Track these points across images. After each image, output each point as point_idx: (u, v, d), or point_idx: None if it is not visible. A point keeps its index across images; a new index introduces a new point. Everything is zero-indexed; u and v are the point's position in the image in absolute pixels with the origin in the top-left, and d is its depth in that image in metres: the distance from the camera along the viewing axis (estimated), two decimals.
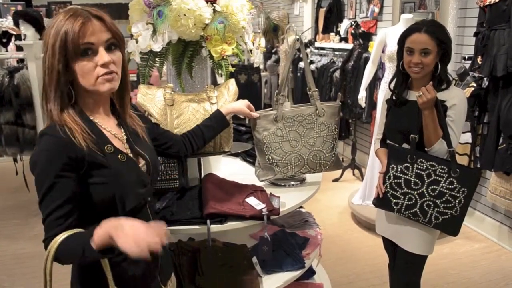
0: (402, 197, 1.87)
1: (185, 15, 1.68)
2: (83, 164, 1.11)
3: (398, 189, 1.88)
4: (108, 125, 1.24)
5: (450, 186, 1.81)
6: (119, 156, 1.19)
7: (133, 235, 0.97)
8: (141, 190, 1.24)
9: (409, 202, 1.86)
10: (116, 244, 0.98)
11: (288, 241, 2.10)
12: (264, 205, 1.68)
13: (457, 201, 1.81)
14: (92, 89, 1.15)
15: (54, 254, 1.07)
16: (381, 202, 1.94)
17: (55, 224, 1.10)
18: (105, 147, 1.17)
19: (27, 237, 3.64)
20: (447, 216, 1.82)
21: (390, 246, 2.13)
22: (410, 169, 1.85)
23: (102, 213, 1.14)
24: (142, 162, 1.29)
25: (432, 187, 1.83)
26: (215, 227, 1.62)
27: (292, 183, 2.02)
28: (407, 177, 1.86)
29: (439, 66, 1.83)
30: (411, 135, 1.84)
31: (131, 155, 1.25)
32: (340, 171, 4.84)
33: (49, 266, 1.10)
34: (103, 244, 1.02)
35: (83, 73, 1.14)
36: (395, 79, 1.98)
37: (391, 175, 1.90)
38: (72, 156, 1.09)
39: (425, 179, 1.83)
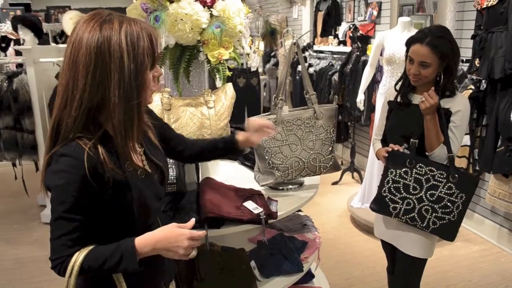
0: (401, 201, 1.87)
1: (182, 19, 1.69)
2: (107, 183, 1.07)
3: (396, 193, 1.88)
4: None
5: (448, 191, 1.81)
6: (138, 173, 1.17)
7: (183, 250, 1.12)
8: (157, 204, 1.24)
9: (408, 207, 1.86)
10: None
11: (286, 245, 2.10)
12: (261, 209, 1.68)
13: (455, 206, 1.81)
14: (144, 102, 1.14)
15: (79, 269, 1.06)
16: (379, 206, 1.94)
17: (70, 244, 1.07)
18: (126, 165, 1.14)
19: (27, 241, 3.63)
20: (445, 221, 1.82)
21: (389, 249, 2.13)
22: (409, 173, 1.85)
23: (119, 227, 1.15)
24: (157, 173, 1.28)
25: (431, 192, 1.82)
26: (213, 232, 1.62)
27: (290, 186, 2.02)
28: (405, 181, 1.86)
29: (442, 76, 1.81)
30: (411, 140, 1.84)
31: (148, 168, 1.23)
32: (339, 174, 4.84)
33: (73, 283, 1.07)
34: (142, 257, 1.10)
35: (149, 84, 1.12)
36: (401, 80, 1.97)
37: (390, 179, 1.89)
38: (95, 176, 1.05)
39: (424, 184, 1.83)
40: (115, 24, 1.05)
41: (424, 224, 1.84)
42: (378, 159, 2.01)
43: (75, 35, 1.06)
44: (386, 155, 1.88)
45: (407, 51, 1.88)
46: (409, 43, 1.86)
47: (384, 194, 1.90)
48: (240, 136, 1.61)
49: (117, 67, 1.04)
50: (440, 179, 1.81)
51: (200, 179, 1.96)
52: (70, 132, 1.07)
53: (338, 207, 4.26)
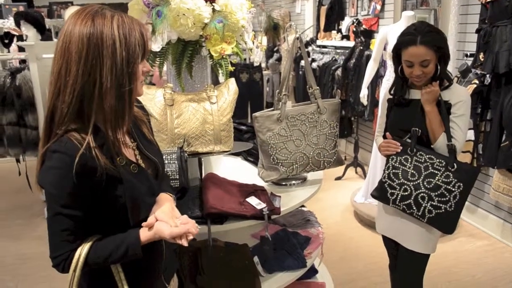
0: (398, 187, 1.87)
1: (184, 14, 1.68)
2: (100, 178, 1.08)
3: (395, 179, 1.88)
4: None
5: (446, 180, 1.80)
6: (131, 167, 1.17)
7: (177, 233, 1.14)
8: (151, 200, 1.24)
9: (404, 193, 1.86)
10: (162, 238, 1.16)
11: (289, 241, 2.10)
12: (264, 205, 1.68)
13: (452, 195, 1.80)
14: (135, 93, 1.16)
15: (84, 261, 1.09)
16: (378, 193, 1.94)
17: (71, 239, 1.10)
18: (118, 159, 1.13)
19: (31, 237, 3.65)
20: (441, 211, 1.81)
21: (391, 245, 2.12)
22: (409, 160, 1.86)
23: (112, 223, 1.16)
24: (151, 168, 1.28)
25: (428, 179, 1.82)
26: (216, 227, 1.62)
27: (293, 182, 2.01)
28: (405, 168, 1.86)
29: (439, 67, 1.81)
30: (413, 128, 1.84)
31: (141, 163, 1.23)
32: (342, 169, 4.83)
33: (78, 274, 1.10)
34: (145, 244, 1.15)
35: (139, 76, 1.14)
36: (394, 85, 1.97)
37: (390, 165, 1.90)
38: (87, 172, 1.06)
39: (422, 171, 1.83)
40: (107, 15, 1.07)
41: (420, 213, 1.83)
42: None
43: (66, 26, 1.07)
44: (400, 149, 1.87)
45: (396, 56, 1.88)
46: (399, 48, 1.85)
47: (384, 180, 1.91)
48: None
49: (109, 53, 1.05)
50: (439, 167, 1.81)
51: (203, 174, 1.96)
52: (64, 119, 1.07)
53: (341, 202, 4.26)
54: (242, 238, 2.10)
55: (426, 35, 1.77)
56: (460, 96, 1.84)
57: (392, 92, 1.97)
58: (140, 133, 1.29)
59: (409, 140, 1.87)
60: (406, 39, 1.81)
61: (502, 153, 2.95)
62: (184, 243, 1.14)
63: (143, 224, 1.16)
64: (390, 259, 2.22)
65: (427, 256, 1.97)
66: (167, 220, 1.16)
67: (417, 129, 1.84)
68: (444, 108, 1.81)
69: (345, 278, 2.97)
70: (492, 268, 3.08)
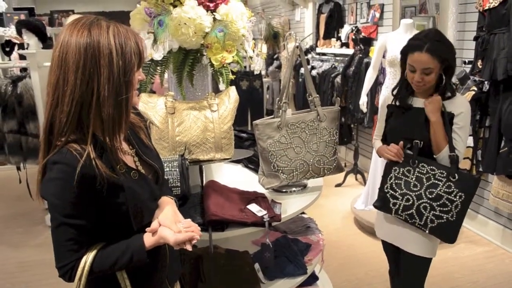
0: (401, 197, 1.89)
1: (185, 24, 1.70)
2: (101, 187, 1.09)
3: (397, 189, 1.90)
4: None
5: (447, 190, 1.82)
6: (131, 174, 1.19)
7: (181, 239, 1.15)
8: (153, 205, 1.26)
9: (407, 203, 1.87)
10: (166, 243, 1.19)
11: (290, 247, 2.10)
12: (265, 212, 1.69)
13: (453, 205, 1.81)
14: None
15: (89, 269, 1.11)
16: (380, 203, 1.96)
17: (76, 248, 1.11)
18: (118, 167, 1.15)
19: (31, 245, 3.65)
20: (442, 220, 1.82)
21: (391, 251, 2.13)
22: (412, 172, 1.88)
23: (116, 229, 1.17)
24: (151, 173, 1.30)
25: (430, 190, 1.84)
26: (217, 234, 1.63)
27: (294, 189, 2.02)
28: (407, 179, 1.89)
29: (444, 78, 1.83)
30: (414, 141, 1.86)
31: (141, 169, 1.25)
32: (342, 176, 4.84)
33: (83, 282, 1.11)
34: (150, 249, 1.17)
35: (135, 85, 1.15)
36: (398, 86, 1.99)
37: (393, 176, 1.92)
38: (89, 181, 1.07)
39: (425, 182, 1.85)
40: (103, 26, 1.08)
41: (422, 222, 1.85)
42: (380, 157, 2.03)
43: (62, 37, 1.08)
44: (401, 160, 1.90)
45: (403, 58, 1.89)
46: (406, 51, 1.86)
47: (386, 190, 1.93)
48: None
49: (106, 63, 1.06)
50: (440, 178, 1.83)
51: (204, 182, 1.97)
52: (64, 129, 1.08)
53: (341, 209, 4.26)
54: (243, 245, 2.10)
55: (434, 44, 1.77)
56: (461, 106, 1.85)
57: (394, 92, 1.99)
58: (138, 139, 1.31)
59: (410, 152, 1.89)
60: (414, 43, 1.83)
61: (501, 159, 2.96)
62: (188, 247, 1.15)
63: (147, 229, 1.17)
64: (390, 264, 2.23)
65: (429, 260, 1.98)
66: (170, 225, 1.17)
67: (419, 141, 1.85)
68: (447, 120, 1.82)
69: (346, 285, 2.97)
70: (493, 274, 3.08)
